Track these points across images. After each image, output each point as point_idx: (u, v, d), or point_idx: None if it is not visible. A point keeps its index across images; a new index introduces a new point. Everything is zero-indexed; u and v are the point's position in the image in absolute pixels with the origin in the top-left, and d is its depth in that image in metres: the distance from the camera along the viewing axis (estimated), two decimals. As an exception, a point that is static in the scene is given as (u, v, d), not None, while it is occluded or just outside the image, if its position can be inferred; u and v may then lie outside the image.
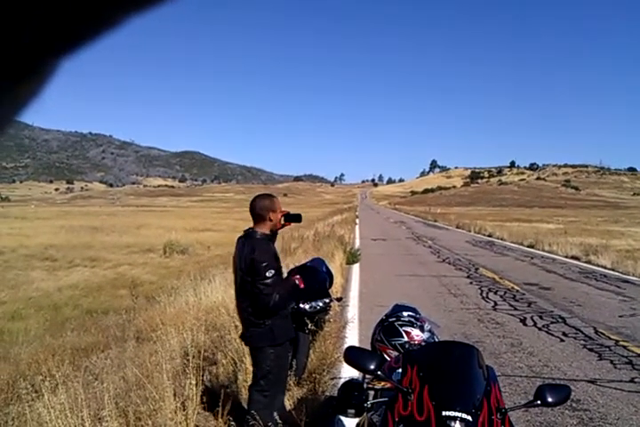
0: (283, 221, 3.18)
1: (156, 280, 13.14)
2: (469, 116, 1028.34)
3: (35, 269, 15.48)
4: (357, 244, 18.15)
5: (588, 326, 6.82)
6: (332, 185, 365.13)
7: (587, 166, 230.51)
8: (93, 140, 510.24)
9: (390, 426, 1.77)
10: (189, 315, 5.87)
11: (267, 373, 3.14)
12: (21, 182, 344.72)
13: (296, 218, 3.25)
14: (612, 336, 6.28)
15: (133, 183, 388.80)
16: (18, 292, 11.87)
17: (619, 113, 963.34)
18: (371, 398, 2.31)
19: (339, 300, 5.73)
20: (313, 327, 4.52)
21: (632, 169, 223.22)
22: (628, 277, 11.53)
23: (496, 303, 8.31)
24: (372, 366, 1.91)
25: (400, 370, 2.03)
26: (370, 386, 2.39)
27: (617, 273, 12.10)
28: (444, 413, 1.68)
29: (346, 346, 2.23)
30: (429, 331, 2.82)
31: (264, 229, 3.11)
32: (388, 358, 2.59)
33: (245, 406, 3.38)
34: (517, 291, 9.48)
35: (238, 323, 3.71)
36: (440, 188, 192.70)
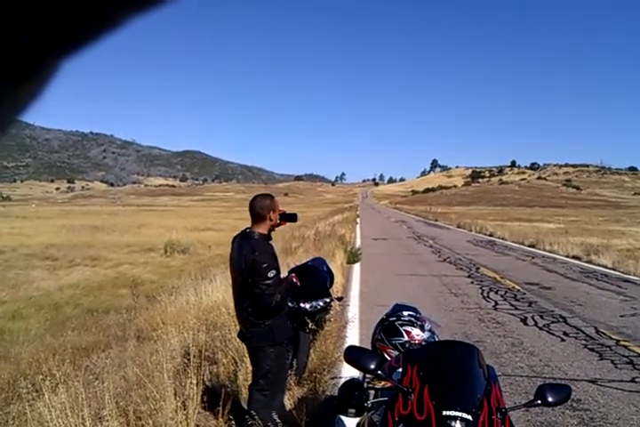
0: (278, 221, 3.21)
1: (157, 279, 13.14)
2: (470, 116, 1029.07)
3: (35, 269, 15.48)
4: (358, 243, 18.15)
5: (589, 325, 6.82)
6: (333, 184, 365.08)
7: (588, 166, 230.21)
8: (94, 139, 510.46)
9: (390, 426, 1.77)
10: (190, 314, 5.87)
11: (266, 372, 3.14)
12: (22, 182, 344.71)
13: (291, 217, 3.30)
14: (612, 336, 6.28)
15: (134, 183, 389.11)
16: (18, 291, 11.87)
17: (620, 113, 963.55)
18: (371, 397, 2.31)
19: (339, 299, 5.73)
20: (314, 327, 4.53)
21: (633, 168, 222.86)
22: (629, 276, 11.52)
23: (497, 303, 8.30)
24: (373, 366, 1.91)
25: (400, 370, 2.03)
26: (370, 386, 2.39)
27: (618, 273, 12.08)
28: (444, 412, 1.68)
29: (346, 345, 2.23)
30: (430, 330, 2.82)
31: (262, 229, 3.12)
32: (389, 358, 2.59)
33: (245, 406, 3.38)
34: (518, 290, 9.47)
35: (239, 322, 3.72)
36: (441, 187, 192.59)
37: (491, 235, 24.58)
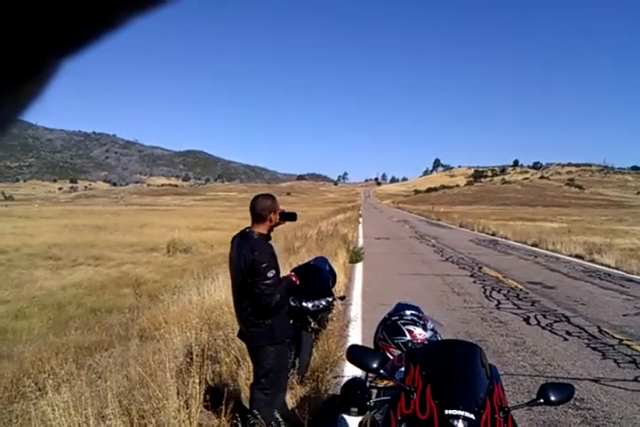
0: (278, 220, 3.21)
1: (160, 279, 13.15)
2: (472, 116, 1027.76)
3: (38, 268, 15.50)
4: (361, 243, 18.14)
5: (592, 324, 6.80)
6: (336, 184, 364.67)
7: (590, 165, 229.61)
8: (97, 139, 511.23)
9: (393, 425, 1.77)
10: (193, 313, 5.87)
11: (267, 371, 3.15)
12: (25, 181, 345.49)
13: (291, 216, 3.30)
14: (615, 335, 6.26)
15: (137, 182, 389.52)
16: (21, 291, 11.90)
17: (622, 112, 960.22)
18: (373, 396, 2.30)
19: (342, 298, 5.73)
20: (316, 326, 4.53)
21: (636, 168, 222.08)
22: (632, 275, 11.49)
23: (499, 302, 8.29)
24: (375, 365, 1.91)
25: (403, 369, 2.03)
26: (373, 385, 2.38)
27: (621, 272, 12.06)
28: (446, 411, 1.68)
29: (349, 345, 2.23)
30: (432, 329, 2.82)
31: (261, 229, 3.12)
32: (391, 357, 2.59)
33: (248, 405, 3.39)
34: (521, 290, 9.46)
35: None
36: (443, 187, 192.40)
37: (493, 234, 24.54)
